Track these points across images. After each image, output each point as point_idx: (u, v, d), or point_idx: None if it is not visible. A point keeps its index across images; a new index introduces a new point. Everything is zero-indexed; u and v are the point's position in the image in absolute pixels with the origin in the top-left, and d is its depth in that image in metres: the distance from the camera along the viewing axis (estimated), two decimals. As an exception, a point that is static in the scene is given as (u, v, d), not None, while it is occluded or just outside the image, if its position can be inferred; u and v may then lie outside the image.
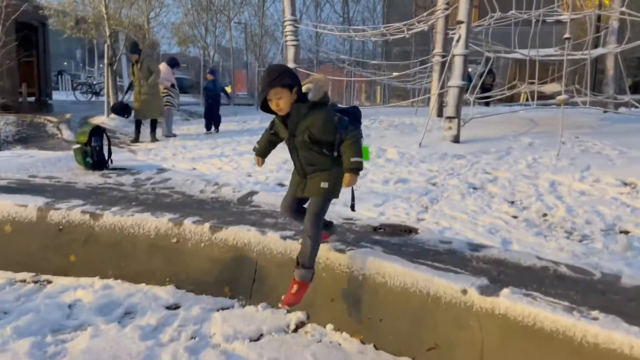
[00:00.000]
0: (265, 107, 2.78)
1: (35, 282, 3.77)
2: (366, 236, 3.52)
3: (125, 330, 3.04)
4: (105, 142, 5.62)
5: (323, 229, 3.02)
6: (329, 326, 3.08)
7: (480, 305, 2.51)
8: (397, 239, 3.49)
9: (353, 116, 2.86)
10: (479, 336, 2.49)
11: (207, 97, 11.56)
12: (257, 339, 2.99)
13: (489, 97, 14.08)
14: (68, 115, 12.26)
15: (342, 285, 3.06)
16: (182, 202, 4.30)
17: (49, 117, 11.96)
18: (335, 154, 2.78)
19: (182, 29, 21.69)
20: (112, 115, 12.11)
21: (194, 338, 3.00)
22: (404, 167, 7.03)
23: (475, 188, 5.72)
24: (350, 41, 24.77)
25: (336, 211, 4.29)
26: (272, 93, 2.64)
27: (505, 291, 2.50)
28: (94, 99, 20.68)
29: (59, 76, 29.10)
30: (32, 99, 16.61)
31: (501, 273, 2.85)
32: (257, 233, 3.46)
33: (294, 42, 13.94)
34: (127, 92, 10.49)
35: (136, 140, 9.89)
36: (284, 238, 3.35)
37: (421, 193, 5.58)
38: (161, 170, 5.58)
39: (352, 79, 21.19)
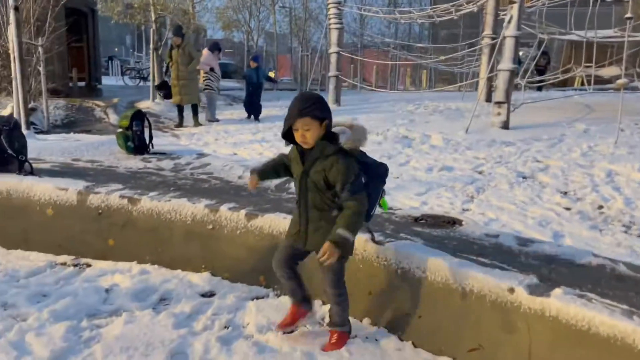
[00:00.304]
0: (287, 136, 2.48)
1: (75, 265, 3.81)
2: (406, 227, 3.36)
3: (159, 317, 3.01)
4: (146, 126, 5.64)
5: (302, 303, 2.77)
6: (366, 320, 2.95)
7: (529, 305, 2.32)
8: (439, 230, 3.31)
9: (377, 172, 2.57)
10: (527, 339, 2.31)
11: (248, 85, 11.18)
12: (291, 331, 2.90)
13: (541, 81, 13.47)
14: (115, 100, 12.52)
15: (379, 279, 2.92)
16: (220, 188, 4.25)
17: (97, 102, 12.25)
18: (335, 211, 2.44)
19: (226, 13, 21.77)
20: (157, 100, 12.30)
21: (227, 327, 2.94)
22: (449, 154, 6.78)
23: (524, 177, 5.44)
24: (395, 24, 24.26)
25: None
26: (300, 123, 2.35)
27: (557, 291, 2.30)
28: (141, 83, 21.09)
29: (110, 62, 29.89)
30: (82, 83, 17.08)
31: (552, 271, 2.64)
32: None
33: (338, 25, 13.72)
34: (165, 73, 10.64)
35: (180, 125, 9.98)
36: (320, 227, 3.23)
37: (466, 182, 5.35)
38: (201, 155, 5.57)
39: (397, 62, 20.78)
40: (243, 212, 3.54)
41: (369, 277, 2.97)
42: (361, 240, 3.03)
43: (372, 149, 7.60)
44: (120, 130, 5.57)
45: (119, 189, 4.05)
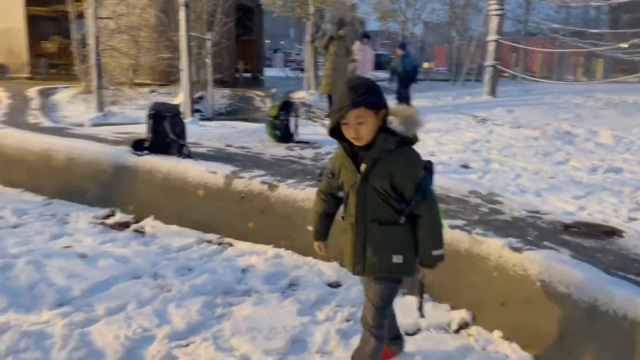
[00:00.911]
0: (335, 133, 2.04)
1: (219, 244, 4.08)
2: (553, 235, 3.00)
3: (285, 302, 3.09)
4: (293, 115, 5.85)
5: (391, 342, 2.41)
6: (497, 333, 2.70)
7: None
8: (592, 241, 2.90)
9: (426, 171, 2.09)
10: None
11: (393, 74, 10.71)
12: (414, 333, 2.78)
13: None
14: (273, 90, 13.26)
15: (515, 289, 2.65)
16: (356, 179, 4.24)
17: (257, 92, 13.09)
18: (403, 219, 2.02)
19: (382, 3, 21.72)
20: (312, 91, 12.73)
21: (349, 321, 2.91)
22: (619, 154, 5.97)
23: None
24: (567, 9, 22.05)
25: (520, 201, 3.79)
26: (353, 114, 1.92)
27: None
28: (301, 75, 22.09)
29: (275, 54, 31.79)
30: (247, 75, 18.41)
31: None
32: (424, 219, 3.19)
33: (499, 12, 12.88)
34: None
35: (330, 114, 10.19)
36: (452, 227, 3.03)
37: (638, 187, 4.65)
38: (342, 145, 5.64)
39: (567, 49, 18.90)
40: (374, 205, 3.47)
41: (504, 285, 2.71)
42: (497, 245, 2.78)
43: (524, 145, 7.01)
44: (269, 119, 5.86)
45: (262, 174, 4.25)
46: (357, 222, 2.08)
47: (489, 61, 13.07)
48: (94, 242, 4.02)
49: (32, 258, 3.60)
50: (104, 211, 4.73)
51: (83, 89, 10.50)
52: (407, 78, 10.39)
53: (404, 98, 10.47)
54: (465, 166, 5.96)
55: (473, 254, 2.89)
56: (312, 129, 7.52)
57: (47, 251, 3.79)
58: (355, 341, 2.68)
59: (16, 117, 7.29)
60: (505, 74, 18.42)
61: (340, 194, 2.18)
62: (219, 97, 11.53)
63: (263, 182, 4.07)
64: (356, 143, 2.00)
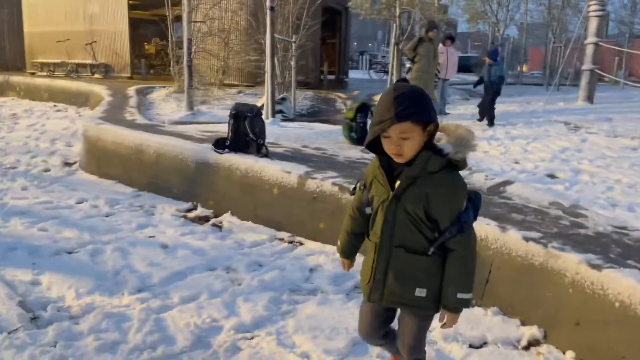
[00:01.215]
0: (373, 147, 1.80)
1: (290, 242, 4.17)
2: (639, 253, 2.78)
3: (349, 304, 3.11)
4: (370, 118, 5.85)
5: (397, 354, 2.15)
6: (569, 354, 2.55)
7: None
8: (686, 263, 2.65)
9: (474, 201, 1.82)
10: None
11: (479, 82, 9.87)
12: (479, 347, 2.69)
13: None
14: (355, 92, 13.30)
15: (592, 309, 2.49)
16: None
17: (340, 94, 13.18)
18: (432, 250, 1.78)
19: (473, 4, 21.08)
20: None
21: (412, 328, 2.87)
22: None
23: None
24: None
25: (607, 216, 3.54)
26: (396, 129, 1.67)
27: None
28: (385, 77, 21.99)
29: (361, 56, 31.86)
30: (331, 77, 18.61)
31: None
32: (496, 229, 3.08)
33: (600, 12, 12.10)
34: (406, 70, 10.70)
35: None
36: (527, 239, 2.90)
37: None
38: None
39: (678, 54, 17.30)
40: (446, 212, 3.39)
41: (580, 303, 2.56)
42: (574, 260, 2.62)
43: (620, 155, 6.54)
44: (346, 121, 5.90)
45: (334, 176, 4.29)
46: (382, 244, 1.84)
47: (587, 65, 12.30)
48: (175, 234, 4.26)
49: (119, 245, 3.89)
50: (187, 205, 4.99)
51: (176, 89, 11.13)
52: (491, 88, 9.46)
53: (485, 111, 9.41)
54: (552, 176, 5.66)
55: (548, 268, 2.75)
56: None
57: (133, 240, 4.07)
58: (417, 349, 2.65)
59: (115, 114, 7.87)
60: (606, 79, 17.22)
61: (369, 210, 1.93)
62: (302, 98, 11.75)
63: (334, 184, 4.11)
64: (396, 160, 1.75)
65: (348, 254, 2.14)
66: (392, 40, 13.38)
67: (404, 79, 10.73)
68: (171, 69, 11.55)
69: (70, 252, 3.79)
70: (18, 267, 3.48)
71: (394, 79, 13.24)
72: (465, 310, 2.68)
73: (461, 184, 1.76)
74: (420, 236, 1.77)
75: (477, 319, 2.92)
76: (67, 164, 6.69)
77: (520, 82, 20.69)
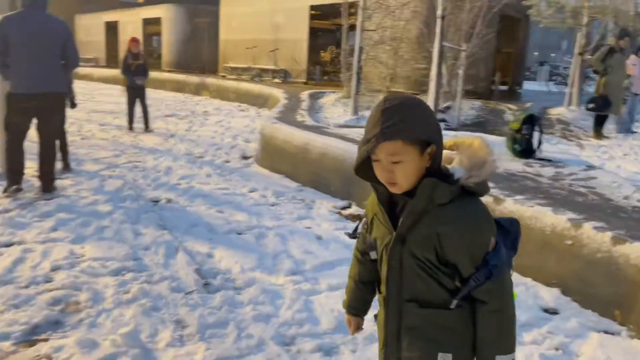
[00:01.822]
0: (362, 171, 1.42)
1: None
2: None
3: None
4: (537, 130, 5.55)
5: None
6: None
7: None
8: None
9: (506, 236, 1.41)
10: None
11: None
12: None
13: None
14: (528, 104, 12.55)
15: None
16: (595, 205, 3.86)
17: (510, 105, 12.56)
18: (455, 302, 1.36)
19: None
20: (573, 107, 11.67)
21: (557, 350, 2.75)
22: None
23: None
24: None
25: None
26: (384, 150, 1.31)
27: None
28: (565, 89, 20.33)
29: (541, 67, 29.85)
30: (504, 87, 17.77)
31: None
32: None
33: None
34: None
35: (598, 135, 8.99)
36: None
37: None
38: (590, 167, 5.11)
39: None
40: (609, 234, 3.15)
41: None
42: None
43: None
44: (510, 132, 5.68)
45: (491, 187, 4.20)
46: (389, 297, 1.44)
47: None
48: (329, 227, 4.57)
49: (280, 232, 4.32)
50: (343, 203, 5.30)
51: (345, 94, 11.68)
52: None
53: None
54: None
55: None
56: (562, 148, 6.99)
57: (292, 228, 4.47)
58: (558, 371, 2.54)
59: (288, 115, 8.58)
60: None
61: (374, 254, 1.52)
62: (468, 108, 11.46)
63: (489, 195, 4.04)
64: (391, 190, 1.37)
65: (355, 309, 1.67)
66: (576, 50, 12.34)
67: (604, 96, 9.04)
68: (341, 75, 12.14)
69: (239, 233, 4.32)
70: (197, 240, 4.08)
71: (574, 92, 12.25)
72: (620, 341, 2.52)
73: (483, 215, 1.34)
74: (437, 286, 1.37)
75: (637, 352, 2.68)
76: (245, 158, 7.50)
77: None
